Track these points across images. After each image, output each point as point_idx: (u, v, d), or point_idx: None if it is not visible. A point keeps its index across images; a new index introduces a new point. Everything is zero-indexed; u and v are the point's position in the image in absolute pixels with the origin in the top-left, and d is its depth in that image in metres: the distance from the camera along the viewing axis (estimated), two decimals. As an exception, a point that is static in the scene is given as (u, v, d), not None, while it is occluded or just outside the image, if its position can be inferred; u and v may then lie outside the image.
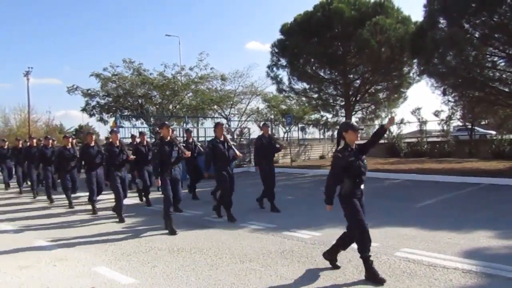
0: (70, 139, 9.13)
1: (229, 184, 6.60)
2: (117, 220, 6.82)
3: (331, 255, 4.07)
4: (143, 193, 8.86)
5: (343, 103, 19.71)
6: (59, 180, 9.76)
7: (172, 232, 5.71)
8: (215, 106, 22.64)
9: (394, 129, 20.76)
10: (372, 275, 3.63)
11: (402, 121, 20.60)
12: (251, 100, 24.42)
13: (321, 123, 25.44)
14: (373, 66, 17.36)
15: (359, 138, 4.01)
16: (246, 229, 5.92)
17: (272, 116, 24.58)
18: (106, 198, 8.68)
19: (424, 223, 5.87)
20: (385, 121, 21.10)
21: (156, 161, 5.92)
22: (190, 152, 6.40)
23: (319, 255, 4.44)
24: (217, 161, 6.58)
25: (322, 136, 26.68)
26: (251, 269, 4.09)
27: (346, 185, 3.80)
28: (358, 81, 19.25)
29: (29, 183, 11.44)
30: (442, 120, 19.14)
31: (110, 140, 7.43)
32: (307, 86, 19.95)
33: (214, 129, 6.89)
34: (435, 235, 5.20)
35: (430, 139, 19.99)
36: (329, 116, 23.32)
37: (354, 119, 20.03)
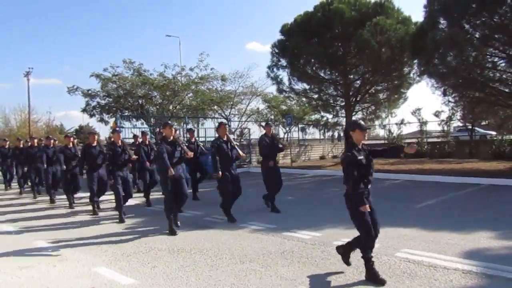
0: (72, 139, 9.15)
1: (234, 185, 6.54)
2: (117, 220, 6.83)
3: (344, 249, 3.96)
4: (144, 193, 8.84)
5: (343, 103, 19.70)
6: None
7: (172, 233, 5.71)
8: (215, 107, 22.64)
9: (394, 129, 20.80)
10: (372, 276, 3.63)
11: (402, 122, 20.62)
12: (251, 101, 24.44)
13: (321, 123, 25.43)
14: (373, 66, 17.35)
15: (366, 138, 3.97)
16: (246, 230, 5.92)
17: (272, 117, 24.57)
18: (107, 199, 8.67)
19: (424, 223, 5.87)
20: (385, 121, 21.05)
21: (164, 156, 5.76)
22: (192, 153, 6.32)
23: (319, 256, 4.44)
24: (220, 161, 6.50)
25: (322, 137, 26.70)
26: (251, 270, 4.09)
27: (352, 184, 3.67)
28: (358, 82, 19.24)
29: (29, 183, 11.45)
30: (443, 120, 19.16)
31: (112, 139, 7.41)
32: (307, 87, 19.93)
33: (217, 128, 6.84)
34: (436, 235, 5.19)
35: (430, 140, 20.01)
36: (329, 116, 23.31)
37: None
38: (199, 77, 20.58)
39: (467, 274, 3.76)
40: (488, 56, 12.58)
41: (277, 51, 19.08)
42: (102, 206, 8.27)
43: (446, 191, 9.27)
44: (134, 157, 7.31)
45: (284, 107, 24.86)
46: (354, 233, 3.86)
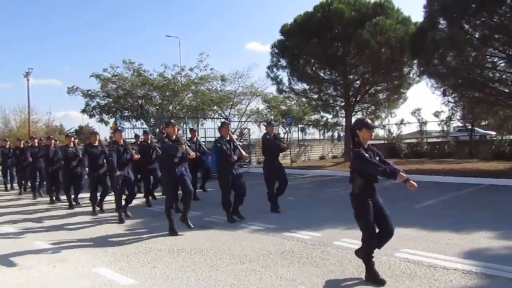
0: (72, 138, 9.15)
1: (237, 183, 6.50)
2: (117, 221, 6.82)
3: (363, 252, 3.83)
4: (145, 194, 8.84)
5: (343, 103, 19.72)
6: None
7: (173, 233, 5.71)
8: (215, 107, 22.63)
9: (394, 129, 20.81)
10: (372, 276, 3.63)
11: (402, 122, 20.63)
12: (251, 101, 24.40)
13: (321, 123, 25.46)
14: (373, 66, 17.37)
15: (373, 137, 3.92)
16: (246, 230, 5.92)
17: (272, 117, 24.53)
18: (107, 199, 8.66)
19: (424, 223, 5.86)
20: (385, 121, 21.03)
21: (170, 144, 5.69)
22: (195, 153, 6.14)
23: (319, 256, 4.44)
24: (221, 161, 6.49)
25: (322, 137, 26.70)
26: (251, 270, 4.09)
27: (358, 183, 3.63)
28: (358, 82, 19.26)
29: (29, 184, 11.44)
30: (442, 120, 19.15)
31: (114, 139, 7.37)
32: (307, 87, 19.97)
33: (219, 128, 6.79)
34: (435, 235, 5.19)
35: (430, 140, 19.99)
36: (329, 116, 23.36)
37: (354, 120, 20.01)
38: (199, 78, 20.58)
39: (467, 274, 3.75)
40: (487, 56, 12.59)
41: (277, 51, 19.10)
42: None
43: (446, 191, 9.27)
44: (136, 156, 7.25)
45: (284, 107, 24.84)
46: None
